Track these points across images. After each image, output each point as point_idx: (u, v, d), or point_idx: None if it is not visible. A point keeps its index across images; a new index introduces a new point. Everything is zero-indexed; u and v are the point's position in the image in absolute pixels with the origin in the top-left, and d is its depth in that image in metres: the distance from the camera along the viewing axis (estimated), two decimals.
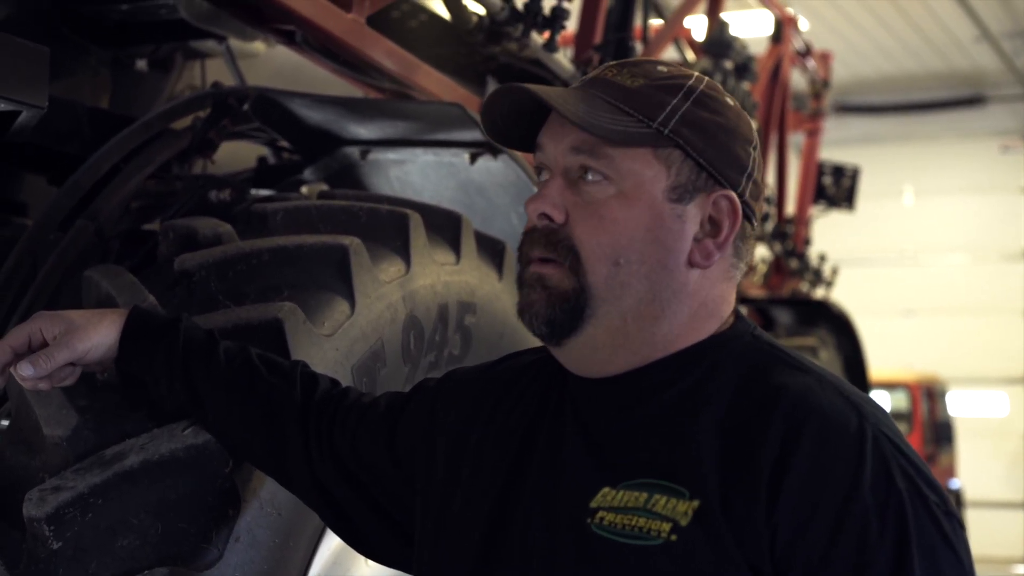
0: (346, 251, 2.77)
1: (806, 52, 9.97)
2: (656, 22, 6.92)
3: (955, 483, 17.12)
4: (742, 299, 8.30)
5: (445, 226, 3.25)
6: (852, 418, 1.81)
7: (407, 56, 3.74)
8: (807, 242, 9.79)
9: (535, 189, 3.52)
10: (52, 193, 3.49)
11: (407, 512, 2.19)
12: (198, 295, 2.69)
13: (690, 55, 7.42)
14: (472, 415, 2.14)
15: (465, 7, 3.98)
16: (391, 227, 3.02)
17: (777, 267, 9.31)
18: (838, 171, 10.61)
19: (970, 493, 18.26)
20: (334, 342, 2.68)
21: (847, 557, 1.74)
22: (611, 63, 2.03)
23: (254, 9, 3.40)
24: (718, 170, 1.95)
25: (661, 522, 1.80)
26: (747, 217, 1.99)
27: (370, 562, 2.47)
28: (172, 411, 2.38)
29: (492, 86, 4.23)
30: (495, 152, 3.52)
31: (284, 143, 3.78)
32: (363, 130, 3.58)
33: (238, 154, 4.07)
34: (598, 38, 5.02)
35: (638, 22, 6.91)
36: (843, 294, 11.53)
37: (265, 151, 4.06)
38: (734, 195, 1.96)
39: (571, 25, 5.00)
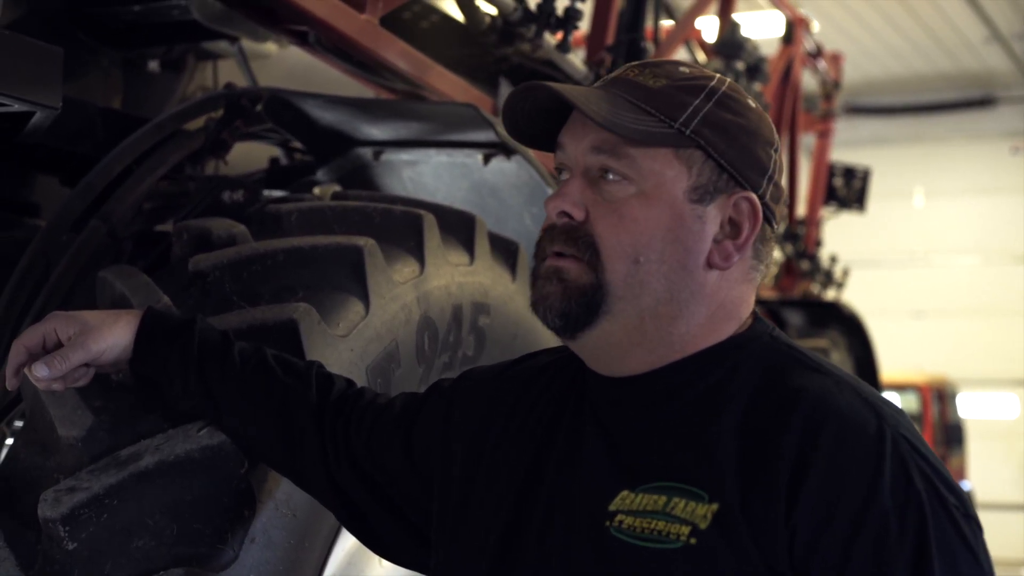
0: (361, 252, 2.77)
1: (817, 53, 9.95)
2: (667, 23, 6.93)
3: (965, 485, 17.06)
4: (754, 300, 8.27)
5: (459, 227, 3.25)
6: (871, 420, 1.81)
7: (420, 57, 3.74)
8: (818, 243, 9.77)
9: (549, 190, 3.56)
10: (64, 194, 3.49)
11: (422, 512, 2.19)
12: (213, 296, 2.69)
13: (701, 56, 7.41)
14: (489, 415, 2.13)
15: (478, 8, 3.97)
16: (405, 228, 3.02)
17: (788, 268, 9.29)
18: (849, 172, 10.60)
19: (980, 495, 18.19)
20: (349, 343, 2.67)
21: (866, 559, 1.73)
22: (633, 63, 2.03)
23: (267, 10, 3.40)
24: (739, 171, 1.95)
25: (680, 525, 1.79)
26: (767, 220, 1.98)
27: (384, 562, 2.47)
28: (187, 412, 2.37)
29: (505, 87, 4.22)
30: (508, 153, 3.52)
31: (296, 144, 3.77)
32: (376, 131, 3.57)
33: (251, 155, 4.07)
34: (610, 39, 5.01)
35: (649, 23, 6.94)
36: (854, 295, 11.51)
37: (277, 152, 4.06)
38: (755, 197, 1.95)
39: (583, 26, 5.00)
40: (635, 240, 1.91)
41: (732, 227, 1.95)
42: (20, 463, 2.44)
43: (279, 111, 3.45)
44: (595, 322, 1.93)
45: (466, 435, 2.14)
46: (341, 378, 2.37)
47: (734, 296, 1.97)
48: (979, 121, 22.07)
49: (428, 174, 3.72)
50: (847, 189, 10.54)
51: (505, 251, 3.42)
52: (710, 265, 1.94)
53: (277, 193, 3.48)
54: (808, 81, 10.64)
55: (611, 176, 1.93)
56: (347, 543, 2.69)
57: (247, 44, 4.24)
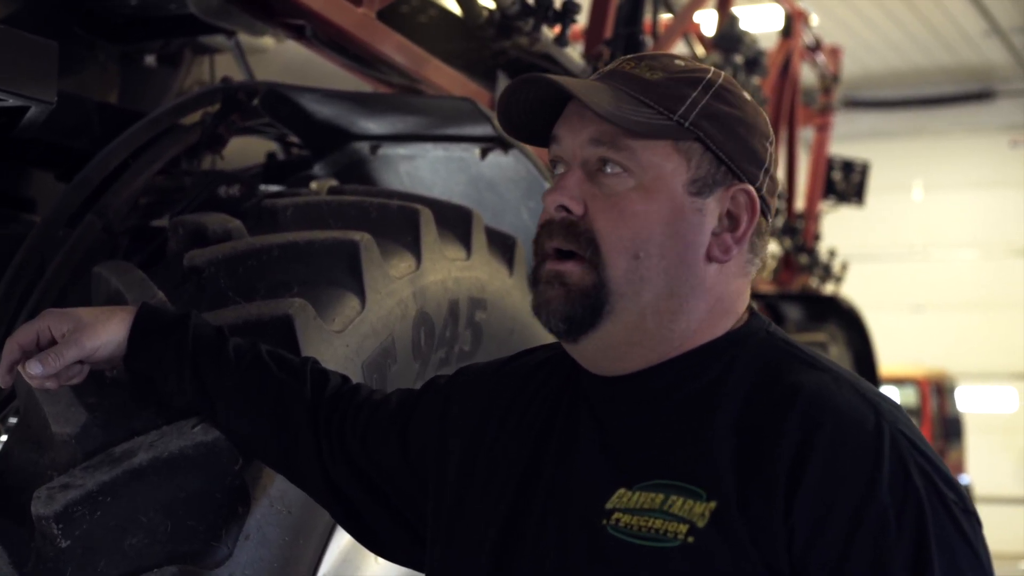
0: (356, 246, 2.75)
1: (816, 47, 9.94)
2: (666, 17, 6.91)
3: (964, 479, 17.07)
4: (752, 295, 8.26)
5: (456, 221, 3.23)
6: (869, 416, 1.80)
7: (417, 51, 3.72)
8: (817, 237, 9.76)
9: (546, 184, 3.54)
10: (61, 189, 3.48)
11: (418, 510, 2.17)
12: (208, 291, 2.68)
13: (700, 50, 7.39)
14: (485, 412, 2.12)
15: (476, 2, 3.95)
16: (402, 222, 3.00)
17: (787, 262, 9.27)
18: (848, 166, 10.58)
19: (979, 489, 18.19)
20: (344, 338, 2.66)
21: (865, 556, 1.72)
22: (628, 56, 2.02)
23: (263, 4, 3.39)
24: (737, 164, 1.94)
25: (678, 524, 1.78)
26: (763, 213, 1.97)
27: (380, 560, 2.46)
28: (182, 408, 2.36)
29: (502, 81, 4.21)
30: (506, 147, 3.50)
31: (294, 138, 3.76)
32: (373, 125, 3.56)
33: (248, 150, 4.06)
34: (608, 33, 4.99)
35: (648, 17, 6.92)
36: (852, 289, 11.49)
37: (274, 147, 4.05)
38: (752, 190, 1.95)
39: (581, 20, 4.99)
40: (635, 234, 1.89)
41: (730, 220, 1.94)
42: (14, 460, 2.43)
43: (275, 105, 3.44)
44: (598, 323, 1.92)
45: (462, 432, 2.13)
46: (336, 374, 2.35)
47: (732, 290, 1.97)
48: (978, 115, 22.04)
49: (425, 168, 3.70)
50: (846, 183, 10.52)
51: (502, 246, 3.41)
52: (709, 259, 1.93)
53: (274, 188, 3.47)
54: (807, 75, 10.63)
55: (610, 169, 1.91)
56: (342, 540, 2.68)
57: (244, 38, 4.23)
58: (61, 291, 3.15)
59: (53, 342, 2.27)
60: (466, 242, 3.23)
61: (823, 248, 10.04)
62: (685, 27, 6.79)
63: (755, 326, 1.98)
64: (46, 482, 2.29)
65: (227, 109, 3.48)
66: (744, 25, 7.14)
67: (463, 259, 3.18)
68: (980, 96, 21.93)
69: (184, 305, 2.60)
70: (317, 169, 3.61)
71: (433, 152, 3.64)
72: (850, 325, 8.67)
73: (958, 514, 1.76)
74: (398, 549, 2.28)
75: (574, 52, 4.51)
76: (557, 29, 4.18)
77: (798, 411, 1.79)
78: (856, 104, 21.41)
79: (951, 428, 17.23)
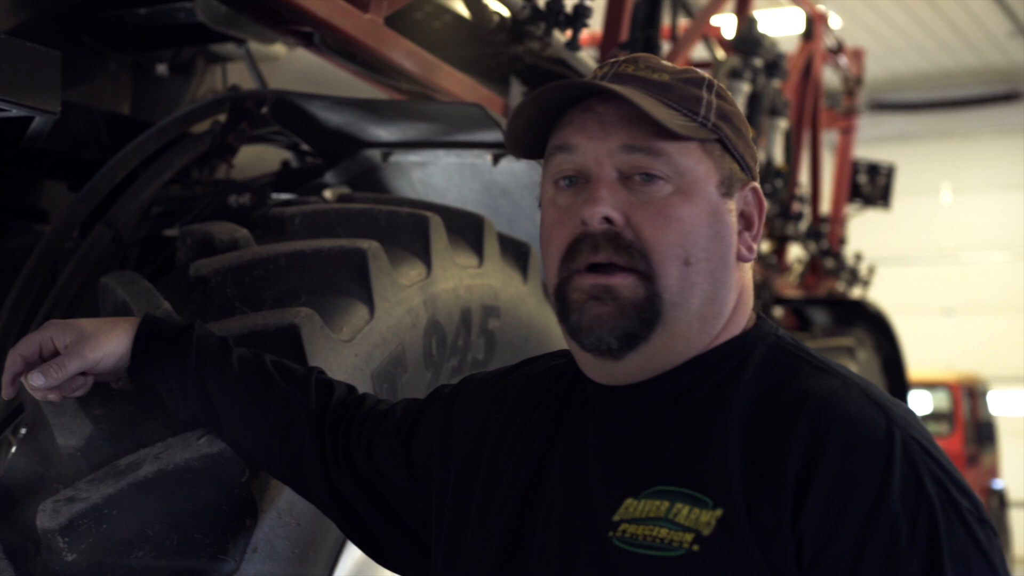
0: (364, 255, 2.72)
1: (838, 49, 9.87)
2: (684, 20, 6.87)
3: (998, 483, 16.96)
4: (778, 300, 8.21)
5: (467, 228, 3.20)
6: (880, 422, 1.75)
7: (427, 57, 3.69)
8: (842, 241, 9.70)
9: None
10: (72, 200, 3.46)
11: (422, 521, 2.14)
12: (214, 301, 2.66)
13: (720, 53, 7.35)
14: (487, 423, 2.08)
15: (486, 7, 3.93)
16: (411, 230, 2.97)
17: (813, 267, 9.22)
18: (873, 169, 10.50)
19: (1014, 493, 18.09)
20: (353, 348, 2.63)
21: (876, 567, 1.67)
22: (620, 59, 1.97)
23: (270, 11, 3.36)
24: (746, 162, 1.94)
25: (683, 532, 1.74)
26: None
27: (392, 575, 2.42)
28: (188, 420, 2.33)
29: (516, 87, 4.18)
30: None
31: (306, 147, 3.73)
32: (383, 132, 3.53)
33: (265, 158, 4.04)
34: (624, 36, 4.95)
35: (667, 20, 6.88)
36: (882, 293, 11.42)
37: (289, 156, 4.02)
38: (758, 186, 1.95)
39: (596, 24, 4.95)
40: (684, 240, 1.85)
41: (744, 219, 1.94)
42: (21, 473, 2.41)
43: (285, 113, 3.42)
44: (650, 336, 1.86)
45: (464, 443, 2.09)
46: (342, 384, 2.32)
47: (745, 285, 1.96)
48: (1005, 116, 21.90)
49: (438, 175, 3.67)
50: (871, 186, 10.44)
51: (516, 252, 3.37)
52: (738, 258, 1.93)
53: (285, 197, 3.44)
54: (830, 78, 10.58)
55: (647, 176, 1.86)
56: (354, 554, 2.64)
57: (255, 46, 4.20)
58: (71, 302, 3.13)
59: (56, 353, 2.25)
60: (478, 249, 3.19)
61: (851, 252, 9.98)
62: (703, 30, 6.74)
63: (764, 330, 1.95)
64: (52, 495, 2.26)
65: (236, 118, 3.45)
66: (764, 28, 7.09)
67: (475, 266, 3.15)
68: (1007, 97, 21.78)
69: (190, 315, 2.59)
70: (329, 177, 3.59)
71: (445, 159, 3.60)
72: (877, 329, 8.59)
73: (973, 523, 1.71)
74: (403, 560, 2.25)
75: (587, 56, 4.47)
76: (568, 33, 4.14)
77: (807, 417, 1.75)
78: (882, 107, 21.35)
79: (984, 432, 17.09)
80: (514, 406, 2.07)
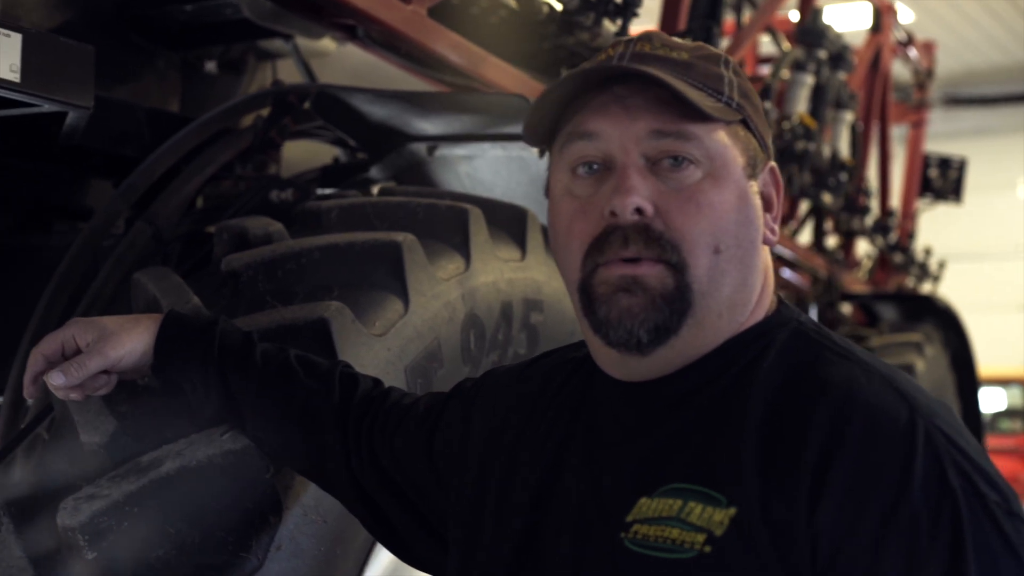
0: (399, 248, 2.68)
1: (908, 42, 9.73)
2: (748, 13, 6.79)
3: None
4: (845, 295, 8.10)
5: (510, 221, 3.15)
6: (902, 411, 1.65)
7: (473, 48, 3.63)
8: (911, 236, 9.57)
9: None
10: None
11: (443, 517, 2.09)
12: (245, 296, 2.63)
13: (786, 44, 7.26)
14: (504, 419, 2.02)
15: None
16: (450, 223, 2.93)
17: (882, 262, 9.09)
18: (944, 163, 10.35)
19: None
20: (386, 342, 2.59)
21: (896, 564, 1.58)
22: (633, 37, 1.88)
23: (312, 5, 3.33)
24: (765, 141, 1.87)
25: (695, 533, 1.66)
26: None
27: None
28: (213, 416, 2.30)
29: None
30: None
31: (351, 141, 3.70)
32: (428, 125, 3.48)
33: (317, 155, 4.01)
34: (682, 26, 4.88)
35: (731, 15, 6.81)
36: (957, 289, 11.27)
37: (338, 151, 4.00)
38: (775, 165, 1.89)
39: (652, 17, 4.89)
40: (714, 227, 1.77)
41: (764, 200, 1.87)
42: (47, 471, 2.38)
43: (328, 107, 3.37)
44: (680, 328, 1.78)
45: (484, 437, 2.04)
46: (367, 378, 2.28)
47: (768, 266, 1.90)
48: None
49: (485, 169, 3.63)
50: (943, 180, 10.29)
51: None
52: (764, 242, 1.87)
53: (329, 191, 3.41)
54: (901, 71, 10.44)
55: (678, 161, 1.78)
56: (386, 555, 2.59)
57: (304, 42, 4.18)
58: (110, 299, 3.11)
59: (78, 351, 2.22)
60: (521, 242, 3.14)
61: (923, 247, 9.84)
62: (766, 21, 6.66)
63: (785, 316, 1.87)
64: (75, 492, 2.23)
65: (278, 112, 3.42)
66: (830, 21, 6.98)
67: (517, 260, 3.10)
68: None
69: (221, 310, 2.56)
70: (375, 172, 3.54)
71: (491, 152, 3.56)
72: (947, 325, 8.44)
73: (1001, 517, 1.60)
74: (425, 556, 2.20)
75: None
76: (619, 23, 4.08)
77: (826, 407, 1.67)
78: (957, 101, 21.11)
79: None
80: (533, 401, 2.01)
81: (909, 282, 9.48)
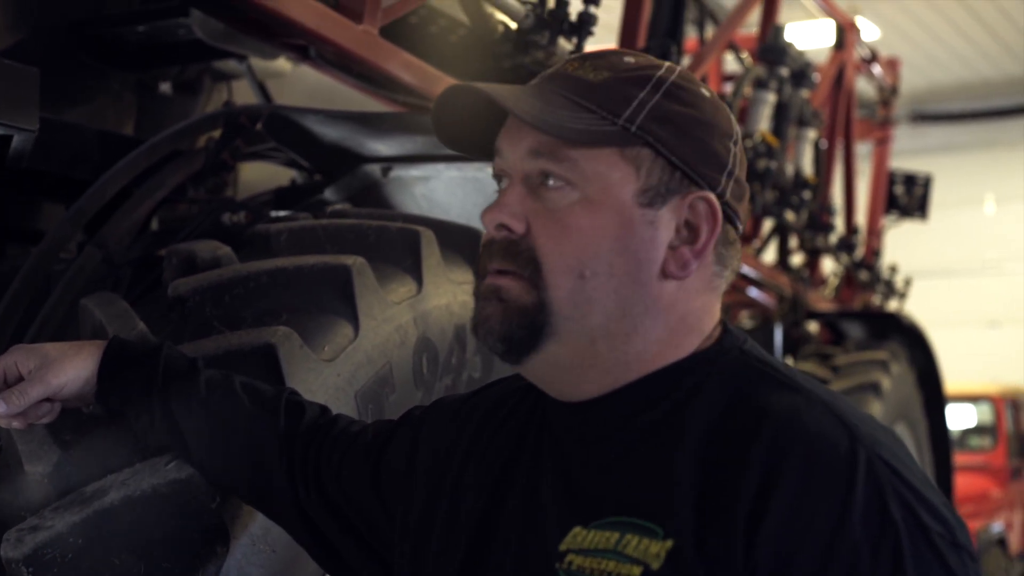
0: (349, 271, 2.65)
1: (872, 58, 9.75)
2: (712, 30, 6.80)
3: None
4: (811, 314, 8.11)
5: (463, 243, 3.12)
6: (842, 441, 1.61)
7: (426, 68, 3.62)
8: (876, 253, 9.58)
9: None
10: None
11: (390, 548, 2.06)
12: (192, 321, 2.59)
13: (749, 61, 7.26)
14: (452, 447, 1.99)
15: (490, 16, 3.85)
16: (401, 245, 2.90)
17: (847, 280, 9.10)
18: (910, 180, 10.38)
19: None
20: (335, 367, 2.55)
21: None
22: (573, 56, 1.86)
23: (263, 25, 3.29)
24: (693, 169, 1.77)
25: (632, 565, 1.62)
26: (729, 220, 1.82)
27: None
28: (158, 444, 2.26)
29: None
30: None
31: (304, 163, 3.67)
32: (381, 146, 3.45)
33: (276, 177, 3.98)
34: (641, 45, 4.88)
35: (694, 33, 6.81)
36: (925, 306, 11.30)
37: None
38: (712, 196, 1.78)
39: (610, 34, 4.88)
40: (580, 252, 1.73)
41: (689, 231, 1.78)
42: None
43: (279, 128, 3.34)
44: (540, 345, 1.76)
45: (430, 466, 2.00)
46: (314, 405, 2.24)
47: (696, 307, 1.81)
48: None
49: (440, 190, 3.60)
50: (908, 197, 10.32)
51: None
52: (665, 275, 1.77)
53: (282, 214, 3.38)
54: (865, 88, 10.46)
55: (552, 182, 1.75)
56: None
57: (261, 63, 4.16)
58: (60, 323, 3.07)
59: (21, 379, 2.18)
60: (475, 264, 3.11)
61: (893, 264, 9.86)
62: (728, 39, 6.66)
63: (727, 344, 1.82)
64: (19, 523, 2.19)
65: (230, 134, 3.38)
66: (794, 39, 6.99)
67: (471, 282, 3.05)
68: None
69: (168, 336, 2.52)
70: (329, 194, 3.51)
71: (447, 173, 3.53)
72: (913, 342, 8.45)
73: (944, 549, 1.57)
74: None
75: None
76: (574, 41, 4.06)
77: (763, 438, 1.62)
78: (924, 118, 21.17)
79: None
80: (478, 428, 1.98)
81: (875, 299, 9.49)
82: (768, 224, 7.76)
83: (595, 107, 1.75)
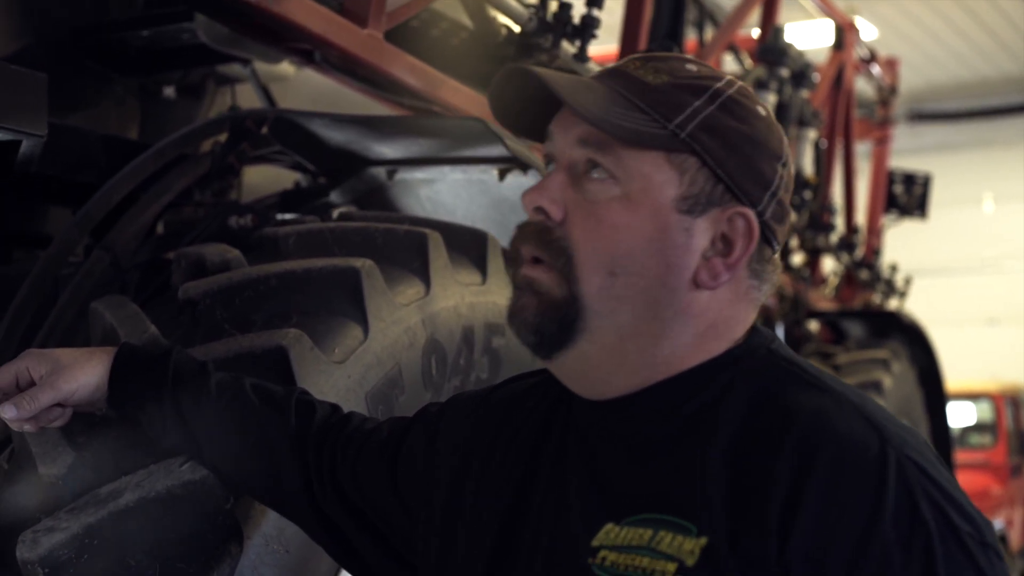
0: (358, 274, 2.67)
1: (871, 58, 9.78)
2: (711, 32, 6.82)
3: None
4: (811, 313, 8.12)
5: (470, 245, 3.14)
6: (872, 442, 1.63)
7: (430, 71, 3.64)
8: (877, 252, 9.60)
9: None
10: None
11: (408, 542, 2.07)
12: (203, 324, 2.61)
13: (748, 62, 7.29)
14: (472, 443, 2.01)
15: (493, 19, 3.87)
16: (409, 248, 2.92)
17: (848, 279, 9.12)
18: (909, 179, 10.41)
19: None
20: (346, 369, 2.57)
21: None
22: (637, 55, 1.88)
23: (268, 30, 3.31)
24: (737, 184, 1.78)
25: (666, 562, 1.64)
26: (766, 240, 1.82)
27: None
28: (171, 447, 2.28)
29: None
30: (524, 167, 3.40)
31: (310, 166, 3.68)
32: (387, 149, 3.47)
33: (279, 179, 4.00)
34: (642, 46, 4.89)
35: (693, 34, 6.83)
36: (925, 304, 11.32)
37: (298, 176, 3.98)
38: (752, 214, 1.79)
39: (612, 36, 4.89)
40: (612, 248, 1.75)
41: (724, 244, 1.79)
42: (5, 503, 2.36)
43: (285, 132, 3.36)
44: (572, 341, 1.78)
45: (451, 464, 2.02)
46: (325, 404, 2.26)
47: (727, 316, 1.82)
48: None
49: (445, 192, 3.62)
50: (908, 196, 10.35)
51: None
52: (697, 283, 1.78)
53: (288, 217, 3.39)
54: (864, 88, 10.48)
55: (596, 174, 1.77)
56: None
57: (264, 67, 4.17)
58: (68, 328, 3.08)
59: (32, 383, 2.20)
60: (481, 266, 3.13)
61: (891, 263, 9.88)
62: (728, 40, 6.68)
63: (755, 344, 1.83)
64: (34, 525, 2.21)
65: (236, 138, 3.40)
66: (793, 40, 7.01)
67: (478, 284, 3.09)
68: None
69: (179, 339, 2.54)
70: (335, 197, 3.53)
71: (451, 175, 3.54)
72: (913, 341, 8.47)
73: (974, 548, 1.59)
74: None
75: (597, 68, 4.41)
76: (577, 44, 4.09)
77: (794, 438, 1.64)
78: (922, 117, 21.20)
79: None
80: (499, 426, 2.00)
81: (875, 298, 9.51)
82: None
83: (648, 108, 1.77)
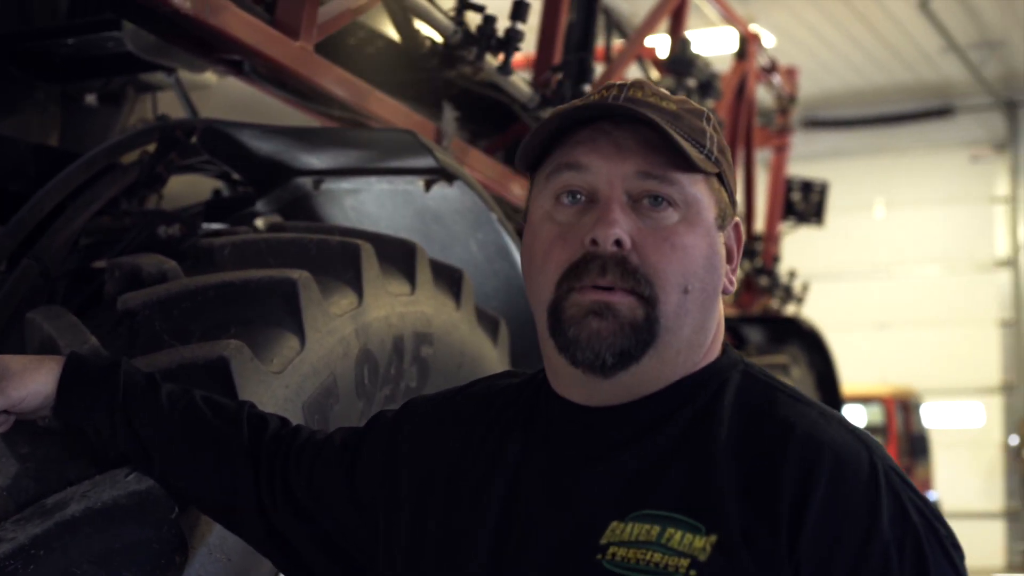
0: (294, 285, 2.70)
1: (771, 68, 9.92)
2: (619, 41, 6.89)
3: (932, 495, 17.08)
4: None
5: (399, 256, 3.19)
6: (862, 453, 1.81)
7: (358, 83, 3.67)
8: (776, 259, 9.74)
9: (492, 215, 3.49)
10: None
11: (368, 552, 2.12)
12: (142, 335, 2.62)
13: (654, 74, 7.38)
14: (438, 445, 2.07)
15: (418, 32, 3.92)
16: (342, 259, 2.96)
17: (747, 285, 9.25)
18: (807, 186, 10.59)
19: (947, 504, 18.21)
20: (283, 379, 2.61)
21: None
22: (630, 81, 1.99)
23: (199, 40, 3.33)
24: (733, 197, 1.99)
25: (678, 558, 1.76)
26: None
27: None
28: (117, 457, 2.30)
29: (448, 112, 4.16)
30: (450, 179, 3.45)
31: (237, 176, 3.70)
32: (315, 160, 3.50)
33: (197, 188, 4.00)
34: (558, 59, 4.95)
35: (600, 42, 6.90)
36: (817, 309, 11.46)
37: (220, 184, 3.99)
38: (739, 221, 2.01)
39: (530, 47, 4.94)
40: (685, 269, 1.89)
41: (727, 253, 1.99)
42: None
43: (214, 142, 3.38)
44: (642, 357, 1.88)
45: (414, 468, 2.08)
46: (275, 417, 2.30)
47: (722, 314, 2.00)
48: (938, 131, 22.11)
49: (370, 202, 3.65)
50: (805, 203, 10.53)
51: (448, 279, 3.36)
52: (723, 292, 1.97)
53: (216, 226, 3.41)
54: (764, 96, 10.63)
55: (653, 202, 1.89)
56: None
57: (185, 75, 4.18)
58: None
59: None
60: (410, 276, 3.18)
61: (786, 269, 10.02)
62: (637, 51, 6.76)
63: (732, 358, 1.99)
64: None
65: (165, 147, 3.41)
66: (697, 48, 7.12)
67: (407, 294, 3.13)
68: (939, 113, 21.99)
69: (118, 350, 2.55)
70: (260, 206, 3.55)
71: (378, 186, 3.58)
72: (811, 346, 8.63)
73: (950, 549, 1.80)
74: None
75: (521, 80, 4.47)
76: (501, 57, 4.13)
77: (795, 447, 1.80)
78: (816, 124, 21.51)
79: (917, 445, 17.27)
80: (470, 425, 2.07)
81: (774, 304, 9.64)
82: None
83: (687, 137, 1.91)
